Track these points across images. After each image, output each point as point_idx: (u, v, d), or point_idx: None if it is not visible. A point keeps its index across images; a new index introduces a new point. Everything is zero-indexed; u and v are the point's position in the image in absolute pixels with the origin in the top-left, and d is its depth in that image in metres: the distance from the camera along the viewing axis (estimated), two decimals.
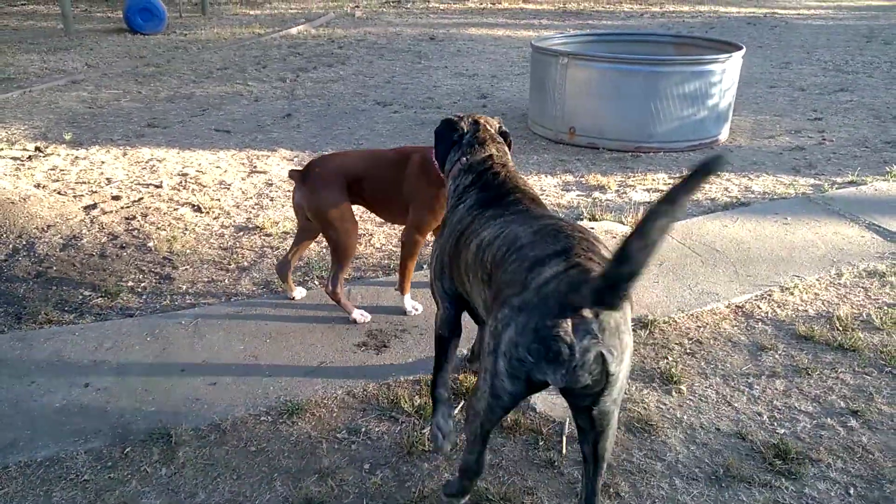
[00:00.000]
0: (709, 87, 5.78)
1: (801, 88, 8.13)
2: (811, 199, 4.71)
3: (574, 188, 5.01)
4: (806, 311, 3.37)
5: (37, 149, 5.59)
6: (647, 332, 3.17)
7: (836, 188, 4.90)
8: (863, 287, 3.58)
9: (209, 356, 2.96)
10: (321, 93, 7.72)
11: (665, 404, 2.71)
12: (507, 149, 2.51)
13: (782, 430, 2.58)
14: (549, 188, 4.99)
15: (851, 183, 5.00)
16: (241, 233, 4.20)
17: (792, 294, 3.51)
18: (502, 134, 2.58)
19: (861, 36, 12.03)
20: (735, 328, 3.24)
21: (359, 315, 3.19)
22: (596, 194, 4.88)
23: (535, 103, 6.42)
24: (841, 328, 3.20)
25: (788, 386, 2.83)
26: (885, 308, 3.36)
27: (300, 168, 3.13)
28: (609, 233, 4.14)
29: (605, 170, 5.38)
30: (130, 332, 3.14)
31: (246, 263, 3.84)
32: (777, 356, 3.02)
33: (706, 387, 2.82)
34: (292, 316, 3.27)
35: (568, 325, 1.66)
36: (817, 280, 3.64)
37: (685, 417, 2.64)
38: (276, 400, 2.70)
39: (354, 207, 3.13)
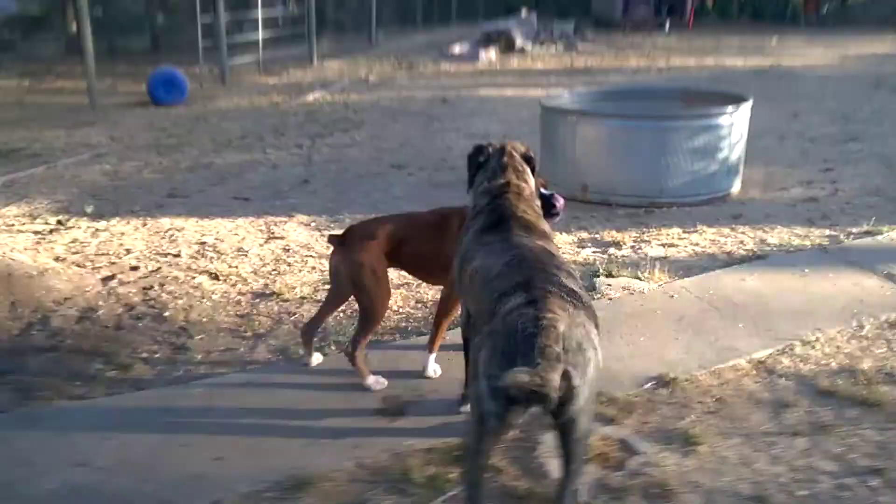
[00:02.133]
0: (718, 140, 5.82)
1: (810, 139, 8.16)
2: (827, 250, 4.67)
3: (589, 245, 5.02)
4: (828, 364, 3.31)
5: (58, 222, 5.73)
6: (669, 391, 3.12)
7: (853, 239, 4.86)
8: (885, 339, 3.51)
9: (218, 429, 2.94)
10: (337, 158, 7.89)
11: (683, 468, 2.64)
12: (529, 174, 2.72)
13: (802, 493, 2.50)
14: (565, 246, 5.00)
15: (867, 233, 4.96)
16: (258, 299, 4.24)
17: (814, 348, 3.45)
18: (527, 159, 2.76)
19: (868, 84, 12.11)
20: (757, 384, 3.18)
21: (373, 381, 3.16)
22: (612, 250, 4.88)
23: (546, 162, 6.48)
24: (864, 382, 3.13)
25: (810, 444, 2.75)
26: None
27: (338, 233, 3.20)
28: (627, 289, 4.12)
29: (619, 226, 5.40)
30: (139, 405, 3.12)
31: (262, 330, 3.86)
32: (799, 413, 2.95)
33: (727, 447, 2.76)
34: (307, 384, 3.26)
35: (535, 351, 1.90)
36: (839, 333, 3.58)
37: (704, 481, 2.57)
38: (283, 474, 2.64)
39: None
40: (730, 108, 5.87)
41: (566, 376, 1.89)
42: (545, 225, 2.58)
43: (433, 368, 3.26)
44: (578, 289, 2.16)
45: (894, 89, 11.49)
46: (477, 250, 2.44)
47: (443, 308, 3.20)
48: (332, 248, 3.19)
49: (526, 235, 2.42)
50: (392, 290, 4.17)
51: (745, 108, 5.98)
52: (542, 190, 3.13)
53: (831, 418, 2.90)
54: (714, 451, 2.73)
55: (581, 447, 2.12)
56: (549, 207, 3.11)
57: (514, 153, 2.72)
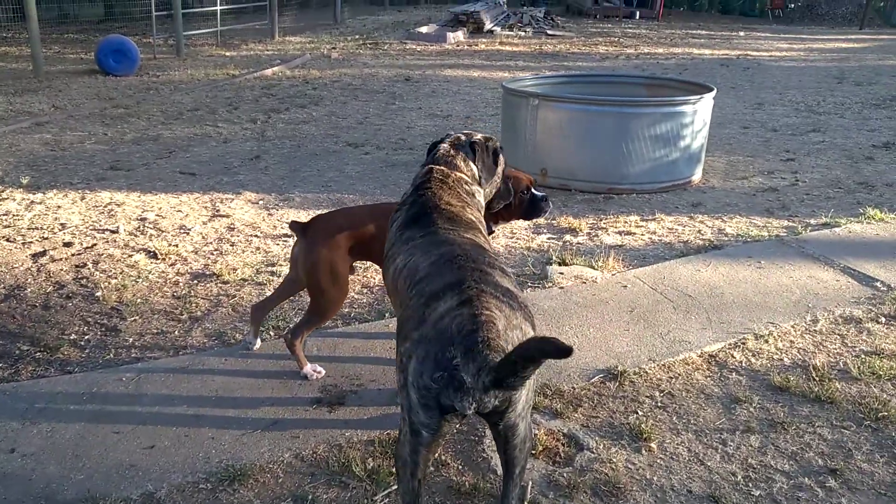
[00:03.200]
0: (681, 128, 5.75)
1: (773, 129, 8.17)
2: (785, 241, 4.63)
3: (545, 231, 4.90)
4: (781, 360, 3.24)
5: None
6: (617, 383, 3.01)
7: (811, 230, 4.83)
8: (839, 334, 3.46)
9: (149, 416, 2.76)
10: (292, 134, 7.62)
11: (634, 464, 2.54)
12: (471, 165, 2.47)
13: (757, 492, 2.41)
14: (520, 231, 4.87)
15: (825, 225, 4.94)
16: (197, 280, 4.02)
17: (766, 342, 3.39)
18: (493, 152, 2.55)
19: (832, 77, 12.25)
20: (708, 379, 3.10)
21: (310, 370, 2.99)
22: (567, 237, 4.77)
23: (506, 144, 6.32)
24: (817, 378, 3.06)
25: (764, 442, 2.68)
26: (863, 356, 3.24)
27: (303, 221, 2.94)
28: (579, 277, 4.01)
29: (576, 212, 5.29)
30: (66, 390, 2.92)
31: (199, 313, 3.65)
32: (752, 409, 2.87)
33: (678, 444, 2.66)
34: (242, 370, 3.08)
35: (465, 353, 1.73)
36: (792, 327, 3.52)
37: (655, 479, 2.47)
38: (218, 465, 2.50)
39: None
40: (693, 98, 5.79)
41: None
42: (472, 214, 2.34)
43: None
44: (513, 287, 1.99)
45: (857, 83, 11.63)
46: (399, 248, 2.22)
47: None
48: (294, 236, 2.98)
49: (452, 229, 2.19)
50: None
51: (709, 97, 5.92)
52: (533, 190, 3.00)
53: (785, 415, 2.82)
54: (665, 448, 2.63)
55: (522, 452, 2.01)
56: (535, 209, 3.00)
57: (457, 142, 2.50)
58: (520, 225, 4.98)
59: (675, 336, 3.41)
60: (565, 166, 5.84)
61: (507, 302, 1.87)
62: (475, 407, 1.75)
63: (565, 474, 2.45)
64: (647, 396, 2.95)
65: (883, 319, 3.58)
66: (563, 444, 2.60)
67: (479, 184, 2.50)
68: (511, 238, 4.74)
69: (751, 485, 2.45)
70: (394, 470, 2.44)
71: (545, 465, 2.49)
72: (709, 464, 2.56)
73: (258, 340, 3.24)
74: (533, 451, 2.52)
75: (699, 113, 5.83)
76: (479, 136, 2.57)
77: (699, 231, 4.91)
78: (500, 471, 2.47)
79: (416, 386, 1.79)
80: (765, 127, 8.29)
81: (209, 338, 3.41)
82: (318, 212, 5.13)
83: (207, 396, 2.88)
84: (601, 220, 5.12)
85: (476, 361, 1.68)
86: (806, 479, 2.48)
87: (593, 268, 4.13)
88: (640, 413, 2.83)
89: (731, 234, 4.85)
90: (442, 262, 2.00)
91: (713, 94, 5.97)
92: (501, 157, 2.61)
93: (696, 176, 6.11)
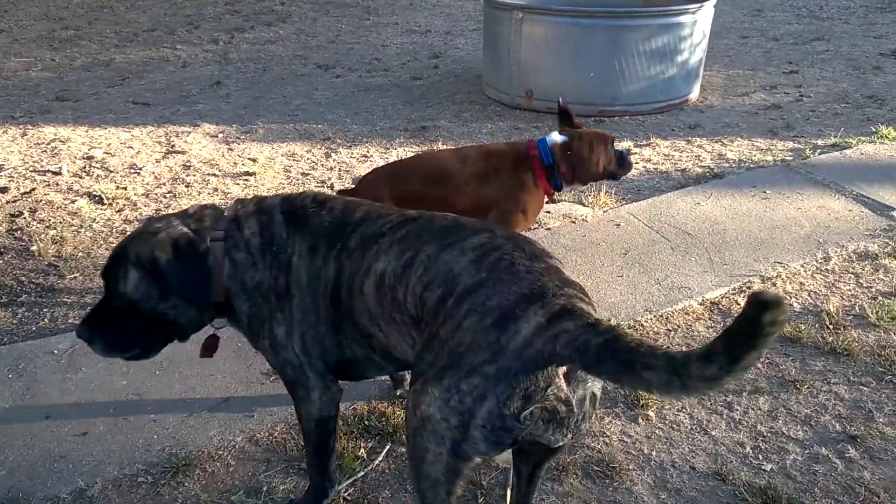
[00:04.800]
0: (678, 41, 5.25)
1: (774, 38, 7.62)
2: (791, 167, 4.25)
3: None
4: (791, 305, 2.94)
5: None
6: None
7: (819, 153, 4.44)
8: (853, 273, 3.15)
9: (83, 396, 2.44)
10: (257, 56, 7.02)
11: (630, 436, 2.27)
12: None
13: (769, 467, 2.15)
14: None
15: (835, 146, 4.55)
16: None
17: (774, 285, 3.08)
18: None
19: None
20: (710, 330, 2.80)
21: None
22: None
23: (488, 64, 5.84)
24: (832, 326, 2.77)
25: (774, 405, 2.40)
26: (881, 299, 2.95)
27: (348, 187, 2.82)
28: (568, 216, 3.65)
29: None
30: None
31: None
32: (760, 366, 2.59)
33: (678, 410, 2.39)
34: (191, 339, 2.74)
35: (561, 380, 1.39)
36: (802, 266, 3.21)
37: (654, 454, 2.20)
38: (160, 454, 2.20)
39: None
40: (692, 6, 5.26)
41: (594, 400, 1.50)
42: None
43: None
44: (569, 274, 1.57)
45: None
46: (363, 260, 1.68)
47: None
48: None
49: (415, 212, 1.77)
50: None
51: (709, 5, 5.39)
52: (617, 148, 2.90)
53: (797, 372, 2.54)
54: (664, 416, 2.36)
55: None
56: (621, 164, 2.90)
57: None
58: None
59: (673, 281, 3.09)
60: (553, 87, 5.33)
61: (588, 300, 1.51)
62: (571, 436, 1.48)
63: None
64: None
65: None
66: None
67: None
68: None
69: (761, 457, 2.19)
70: (360, 453, 2.17)
71: None
72: (713, 433, 2.29)
73: None
74: None
75: (699, 23, 5.32)
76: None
77: (698, 157, 4.51)
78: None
79: (489, 427, 1.39)
80: (765, 36, 7.74)
81: None
82: (281, 145, 4.70)
83: (150, 371, 2.55)
84: None
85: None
86: (822, 448, 2.22)
87: (583, 204, 3.76)
88: None
89: (733, 159, 4.47)
90: (491, 261, 1.50)
91: (713, 1, 5.44)
92: None
93: (694, 94, 5.65)
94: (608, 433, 2.28)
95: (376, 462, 2.16)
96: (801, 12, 8.94)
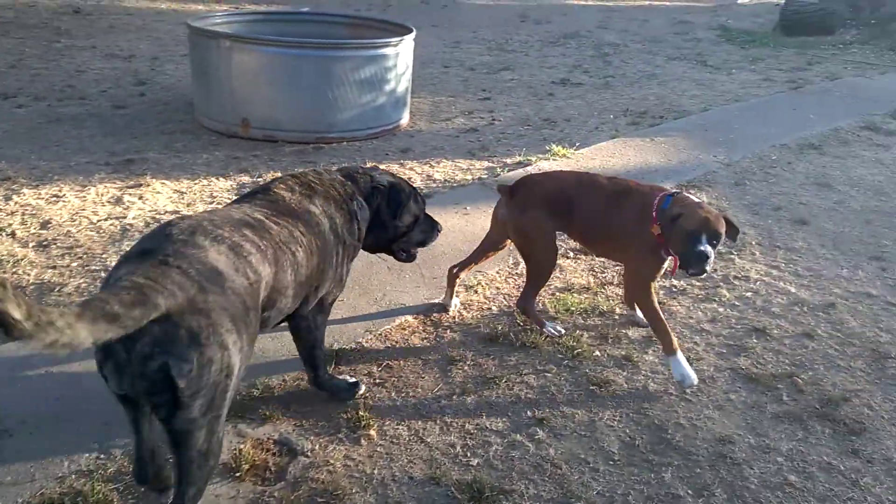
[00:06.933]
0: (385, 71, 5.60)
1: (470, 68, 8.48)
2: (485, 184, 4.78)
3: (249, 190, 4.44)
4: (490, 309, 3.32)
5: None
6: (332, 367, 2.80)
7: (507, 170, 5.05)
8: None
9: None
10: None
11: (353, 459, 2.37)
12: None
13: (476, 461, 2.41)
14: (222, 193, 4.36)
15: (519, 163, 5.21)
16: None
17: (476, 292, 3.44)
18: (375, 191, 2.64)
19: (516, 16, 13.13)
20: (425, 341, 3.05)
21: (551, 328, 3.11)
22: None
23: (200, 92, 5.66)
24: (521, 323, 3.18)
25: (479, 403, 2.69)
26: (557, 294, 3.45)
27: (510, 183, 3.07)
28: None
29: (285, 166, 4.90)
30: None
31: None
32: (466, 368, 2.88)
33: (398, 424, 2.55)
34: None
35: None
36: (497, 273, 3.63)
37: (376, 472, 2.33)
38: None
39: None
40: (394, 40, 5.66)
41: (163, 368, 1.65)
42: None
43: (681, 372, 2.79)
44: (233, 272, 1.85)
45: (537, 21, 12.60)
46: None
47: (631, 289, 3.17)
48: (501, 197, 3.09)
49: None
50: None
51: (409, 39, 5.83)
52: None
53: (496, 369, 2.87)
54: (385, 432, 2.50)
55: (195, 471, 1.82)
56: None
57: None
58: (220, 186, 4.46)
59: (390, 299, 3.30)
60: (269, 116, 5.37)
61: (201, 282, 1.81)
62: (125, 386, 1.74)
63: (276, 493, 2.18)
64: (365, 374, 2.79)
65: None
66: (273, 455, 2.33)
67: None
68: (211, 201, 4.21)
69: (469, 454, 2.43)
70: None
71: (253, 486, 2.19)
72: (429, 440, 2.49)
73: (453, 301, 3.27)
74: (237, 473, 2.20)
75: (402, 55, 5.73)
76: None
77: (409, 179, 4.84)
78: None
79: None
80: (463, 66, 8.57)
81: None
82: None
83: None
84: None
85: None
86: (518, 435, 2.54)
87: None
88: (358, 397, 2.66)
89: (440, 179, 4.89)
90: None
91: (413, 35, 5.90)
92: None
93: (404, 119, 6.06)
94: (332, 461, 2.34)
95: None
96: (491, 45, 10.07)
